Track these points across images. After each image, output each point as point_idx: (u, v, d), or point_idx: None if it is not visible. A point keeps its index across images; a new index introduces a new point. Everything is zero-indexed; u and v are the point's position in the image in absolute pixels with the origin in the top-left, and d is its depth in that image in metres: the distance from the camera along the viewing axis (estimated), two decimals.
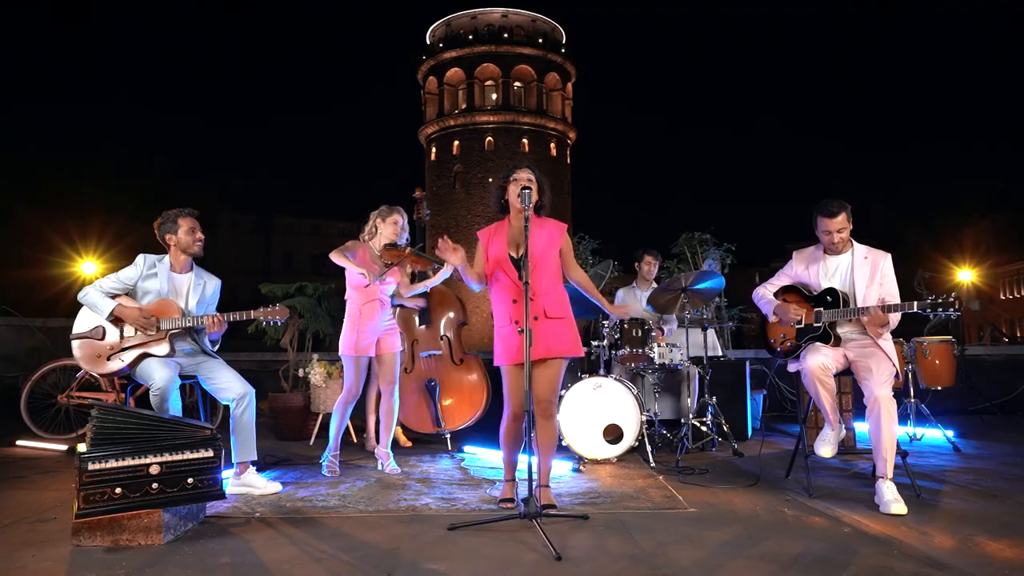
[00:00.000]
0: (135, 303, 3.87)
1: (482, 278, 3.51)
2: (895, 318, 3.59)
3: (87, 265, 24.95)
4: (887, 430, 3.34)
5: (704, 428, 5.15)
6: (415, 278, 4.85)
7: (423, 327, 5.20)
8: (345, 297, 4.46)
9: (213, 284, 4.13)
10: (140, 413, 3.12)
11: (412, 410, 5.22)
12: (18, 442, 5.44)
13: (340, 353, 4.41)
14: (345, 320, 4.40)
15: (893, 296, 3.65)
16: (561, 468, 4.35)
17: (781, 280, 3.95)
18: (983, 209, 49.77)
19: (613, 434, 4.58)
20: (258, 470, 3.96)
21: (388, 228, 4.41)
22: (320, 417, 5.62)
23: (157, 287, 3.92)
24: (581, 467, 4.42)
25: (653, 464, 4.47)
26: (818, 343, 3.69)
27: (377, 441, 5.23)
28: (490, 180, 41.21)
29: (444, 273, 4.41)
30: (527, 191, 3.25)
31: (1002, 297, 48.24)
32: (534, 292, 3.30)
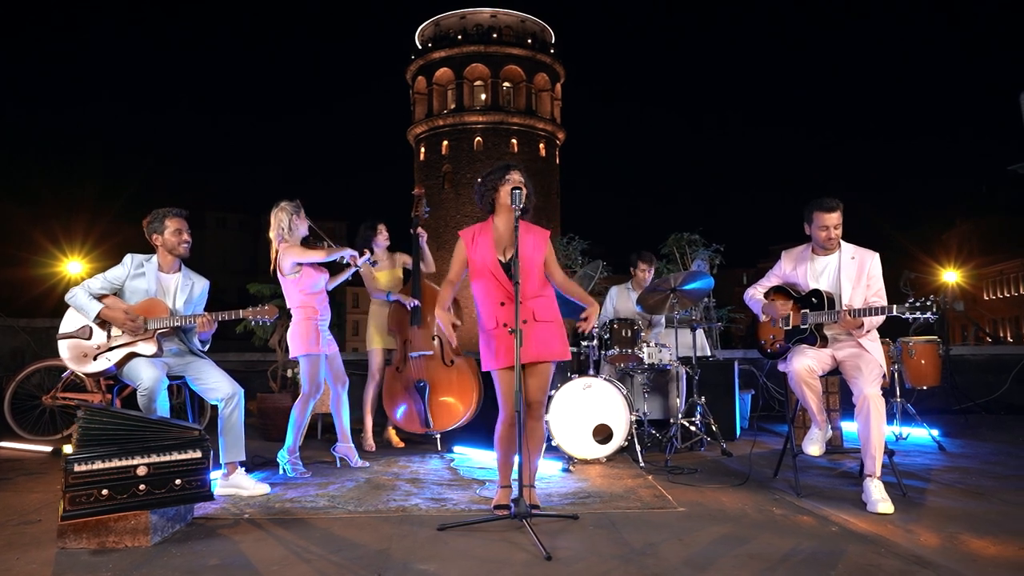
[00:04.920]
0: (122, 303, 3.84)
1: (459, 280, 3.50)
2: (876, 320, 3.60)
3: (72, 265, 24.61)
4: (876, 429, 3.36)
5: (693, 428, 5.17)
6: (335, 270, 4.64)
7: (415, 327, 5.18)
8: (291, 303, 4.38)
9: (201, 285, 4.10)
10: (127, 414, 3.10)
11: (402, 410, 5.20)
12: (1, 443, 5.38)
13: (298, 354, 4.31)
14: (299, 321, 4.32)
15: (880, 297, 3.67)
16: (551, 468, 4.36)
17: (770, 281, 3.97)
18: (968, 211, 50.41)
19: (603, 434, 4.59)
20: (246, 471, 3.94)
21: (304, 223, 4.35)
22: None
23: (145, 287, 3.89)
24: (571, 467, 4.42)
25: (642, 464, 4.49)
26: (804, 345, 3.70)
27: (373, 439, 5.25)
28: (478, 181, 41.05)
29: (340, 253, 4.28)
30: (518, 191, 3.25)
31: (985, 298, 48.81)
32: (523, 295, 3.28)
